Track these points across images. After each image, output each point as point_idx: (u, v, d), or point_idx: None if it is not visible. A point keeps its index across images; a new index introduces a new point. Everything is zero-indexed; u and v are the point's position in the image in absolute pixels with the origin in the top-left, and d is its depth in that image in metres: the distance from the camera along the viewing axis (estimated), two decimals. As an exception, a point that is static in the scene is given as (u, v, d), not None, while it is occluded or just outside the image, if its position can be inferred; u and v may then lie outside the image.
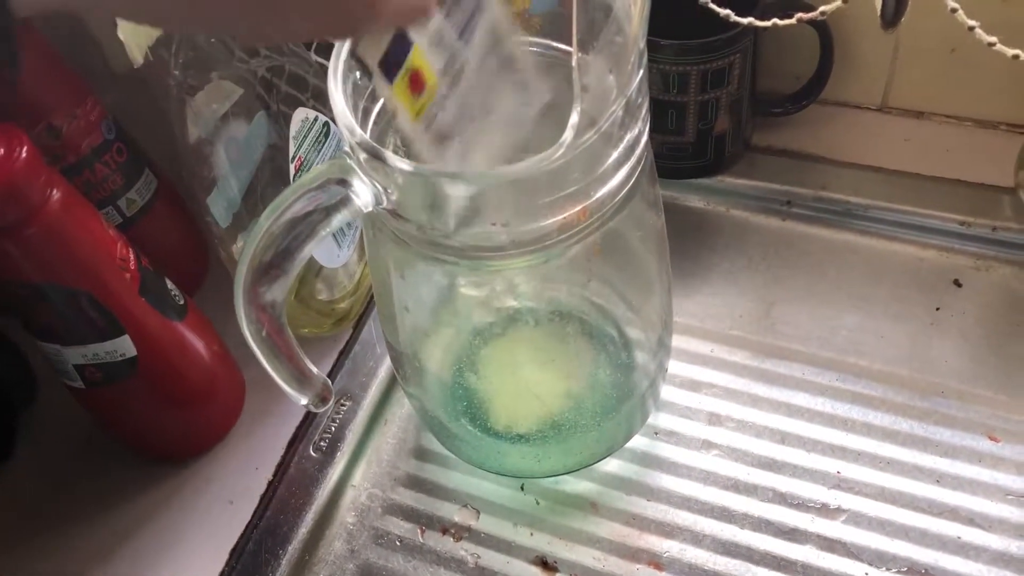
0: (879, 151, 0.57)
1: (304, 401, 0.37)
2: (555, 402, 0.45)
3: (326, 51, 0.52)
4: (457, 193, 0.31)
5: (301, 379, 0.36)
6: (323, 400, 0.38)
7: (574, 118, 0.29)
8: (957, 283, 0.53)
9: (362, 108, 0.35)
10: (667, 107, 0.53)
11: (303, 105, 0.48)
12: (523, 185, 0.30)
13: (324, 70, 0.50)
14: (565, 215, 0.32)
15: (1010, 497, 0.45)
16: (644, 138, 0.33)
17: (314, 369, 0.37)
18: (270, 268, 0.32)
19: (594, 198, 0.32)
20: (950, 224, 0.54)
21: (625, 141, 0.31)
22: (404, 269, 0.39)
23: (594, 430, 0.44)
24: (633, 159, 0.33)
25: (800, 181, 0.57)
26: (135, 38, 0.39)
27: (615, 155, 0.32)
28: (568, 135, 0.29)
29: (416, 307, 0.43)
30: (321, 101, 0.49)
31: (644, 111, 0.33)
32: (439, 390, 0.46)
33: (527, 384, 0.47)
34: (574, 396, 0.46)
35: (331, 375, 0.51)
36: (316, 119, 0.48)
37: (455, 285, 0.44)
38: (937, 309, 0.52)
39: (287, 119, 0.48)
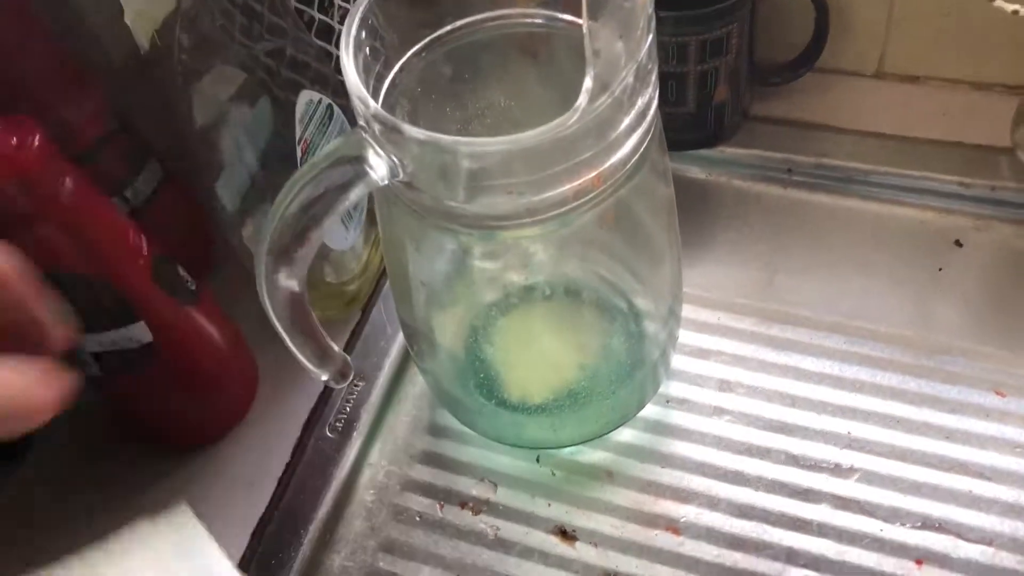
0: (877, 117, 0.58)
1: (325, 377, 0.37)
2: (570, 372, 0.45)
3: (327, 35, 0.52)
4: (472, 161, 0.31)
5: (322, 356, 0.37)
6: (343, 376, 0.38)
7: (588, 83, 0.29)
8: (958, 243, 0.53)
9: (372, 83, 0.35)
10: (667, 78, 0.53)
11: (305, 88, 0.48)
12: (538, 152, 0.31)
13: (324, 53, 0.51)
14: (579, 182, 0.32)
15: (1019, 449, 0.45)
16: (654, 104, 0.34)
17: (334, 346, 0.37)
18: (291, 244, 0.32)
19: (608, 164, 0.32)
20: (949, 186, 0.55)
21: (637, 106, 0.32)
22: (420, 242, 0.40)
23: (608, 398, 0.45)
24: (645, 124, 0.33)
25: (800, 149, 0.58)
26: (142, 23, 0.39)
27: (627, 121, 0.32)
28: (582, 100, 0.30)
29: (431, 281, 0.43)
30: (322, 84, 0.49)
31: (654, 77, 0.33)
32: (454, 365, 0.47)
33: (541, 355, 0.47)
34: (588, 366, 0.46)
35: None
36: (320, 101, 0.49)
37: (470, 257, 0.44)
38: (940, 270, 0.53)
39: (289, 103, 0.48)
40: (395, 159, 0.32)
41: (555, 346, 0.48)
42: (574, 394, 0.45)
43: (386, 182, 0.32)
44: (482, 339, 0.47)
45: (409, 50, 0.38)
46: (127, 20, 0.39)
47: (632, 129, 0.32)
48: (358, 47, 0.34)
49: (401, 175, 0.33)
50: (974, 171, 0.54)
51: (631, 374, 0.46)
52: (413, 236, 0.40)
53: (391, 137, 0.31)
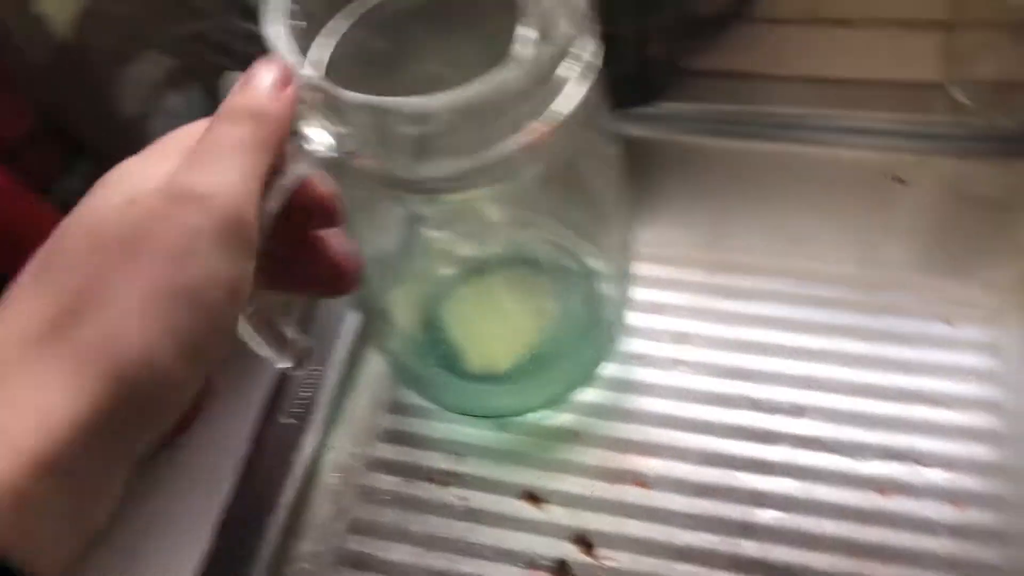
0: (812, 62, 0.58)
1: (284, 364, 0.36)
2: (529, 338, 0.45)
3: (253, 15, 0.51)
4: (417, 122, 0.30)
5: (280, 341, 0.36)
6: (301, 360, 0.37)
7: (524, 31, 0.29)
8: (899, 180, 0.54)
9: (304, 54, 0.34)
10: (600, 37, 0.53)
11: (233, 70, 0.47)
12: (482, 107, 0.30)
13: (252, 34, 0.50)
14: (526, 137, 0.31)
15: (970, 375, 0.46)
16: (595, 54, 0.33)
17: (291, 330, 0.36)
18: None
19: (552, 116, 0.32)
20: (887, 124, 0.55)
21: (577, 56, 0.31)
22: (369, 216, 0.39)
23: (569, 359, 0.45)
24: (587, 75, 0.32)
25: (738, 100, 0.58)
26: (58, 11, 0.38)
27: (569, 71, 0.31)
28: (520, 48, 0.29)
29: (384, 257, 0.42)
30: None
31: (593, 25, 0.32)
32: (414, 342, 0.46)
33: (500, 324, 0.47)
34: (547, 330, 0.46)
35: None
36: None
37: (422, 226, 0.44)
38: (883, 207, 0.53)
39: (221, 87, 0.47)
40: (337, 129, 0.31)
41: (513, 313, 0.48)
42: (535, 359, 0.45)
43: (331, 155, 0.31)
44: (440, 313, 0.47)
45: (336, 23, 0.37)
46: (43, 8, 0.37)
47: (575, 80, 0.32)
48: (283, 20, 0.33)
49: (345, 145, 0.32)
50: (910, 108, 0.55)
51: (589, 334, 0.46)
52: (362, 210, 0.39)
53: (330, 106, 0.30)
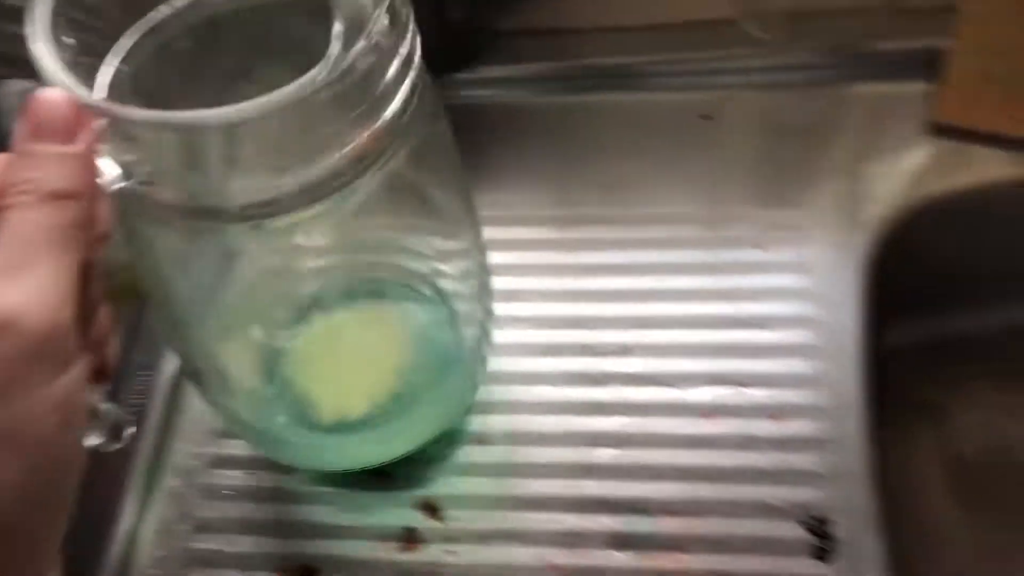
0: (614, 13, 0.59)
1: (95, 441, 0.31)
2: (384, 375, 0.43)
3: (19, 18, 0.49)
4: (223, 136, 0.27)
5: (90, 416, 0.30)
6: (117, 435, 0.32)
7: (337, 27, 0.27)
8: (707, 117, 0.56)
9: (87, 73, 0.30)
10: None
11: (12, 78, 0.45)
12: (298, 114, 0.27)
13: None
14: (350, 146, 0.29)
15: (786, 294, 0.49)
16: (418, 51, 0.31)
17: (100, 402, 0.31)
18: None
19: (379, 121, 0.29)
20: (696, 64, 0.57)
21: (399, 54, 0.29)
22: (180, 257, 0.35)
23: (432, 394, 0.43)
24: (413, 72, 0.30)
25: (554, 56, 0.59)
26: None
27: (392, 70, 0.29)
28: (334, 47, 0.27)
29: (204, 302, 0.39)
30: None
31: (410, 20, 0.30)
32: (252, 395, 0.43)
33: (351, 364, 0.45)
34: (404, 364, 0.44)
35: (125, 349, 0.50)
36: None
37: (245, 263, 0.40)
38: (700, 145, 0.55)
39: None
40: (126, 156, 0.27)
41: (363, 349, 0.45)
42: (395, 398, 0.43)
43: (120, 185, 0.27)
44: (279, 360, 0.44)
45: (134, 29, 0.32)
46: None
47: (399, 79, 0.30)
48: (58, 25, 0.28)
49: (138, 176, 0.28)
50: (715, 46, 0.57)
51: (451, 359, 0.44)
52: (171, 251, 0.34)
53: (118, 129, 0.27)
